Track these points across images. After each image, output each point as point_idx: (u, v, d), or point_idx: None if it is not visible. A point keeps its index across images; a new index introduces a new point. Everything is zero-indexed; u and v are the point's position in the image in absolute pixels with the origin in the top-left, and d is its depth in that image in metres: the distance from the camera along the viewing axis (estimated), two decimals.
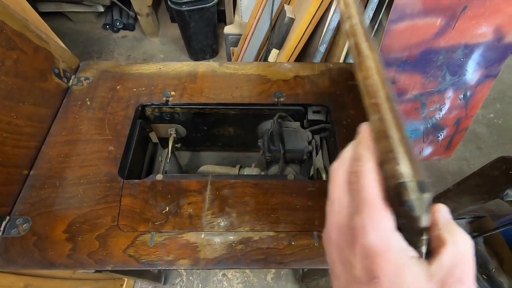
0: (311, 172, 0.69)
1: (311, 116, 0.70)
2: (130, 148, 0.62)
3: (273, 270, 1.27)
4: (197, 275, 1.28)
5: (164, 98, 0.67)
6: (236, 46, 1.74)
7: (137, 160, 0.66)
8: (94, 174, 0.56)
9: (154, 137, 0.80)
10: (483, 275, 1.02)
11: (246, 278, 1.27)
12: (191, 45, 1.89)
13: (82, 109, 0.65)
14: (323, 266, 0.47)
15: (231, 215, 0.52)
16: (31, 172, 0.56)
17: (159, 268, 0.47)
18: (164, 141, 0.82)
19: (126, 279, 1.10)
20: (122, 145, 0.60)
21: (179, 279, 1.27)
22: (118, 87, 0.69)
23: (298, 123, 0.66)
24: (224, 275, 1.28)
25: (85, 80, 0.70)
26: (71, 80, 0.70)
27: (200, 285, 1.26)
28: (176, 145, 0.78)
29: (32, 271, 0.70)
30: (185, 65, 0.74)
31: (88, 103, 0.66)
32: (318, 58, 1.10)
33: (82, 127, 0.62)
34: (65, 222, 0.51)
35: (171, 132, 0.74)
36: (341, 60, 1.15)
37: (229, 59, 1.88)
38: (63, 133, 0.61)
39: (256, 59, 1.50)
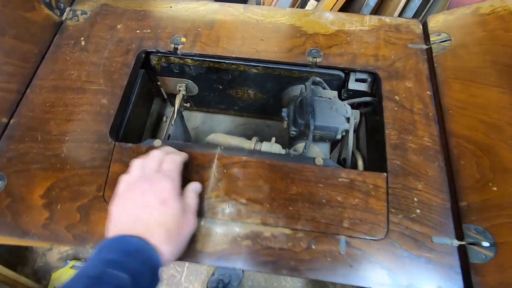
0: (342, 156, 0.56)
1: (352, 85, 0.55)
2: (127, 103, 0.52)
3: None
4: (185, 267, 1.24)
5: (173, 45, 0.54)
6: None
7: (136, 119, 0.56)
8: (81, 131, 0.47)
9: (163, 92, 0.69)
10: None
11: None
12: None
13: (75, 49, 0.54)
14: (347, 282, 0.37)
15: (239, 201, 0.42)
16: (11, 120, 0.48)
17: None
18: (173, 98, 0.71)
19: None
20: (117, 98, 0.49)
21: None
22: (119, 27, 0.56)
23: (335, 93, 0.52)
24: None
25: (81, 14, 0.58)
26: (65, 13, 0.58)
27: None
28: (185, 105, 0.67)
29: None
30: (202, 5, 0.59)
31: (83, 43, 0.54)
32: (365, 12, 0.90)
33: (73, 72, 0.52)
34: (43, 185, 0.43)
35: (180, 89, 0.62)
36: (397, 14, 0.94)
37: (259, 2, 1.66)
38: (51, 77, 0.51)
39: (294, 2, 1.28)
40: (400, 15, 0.89)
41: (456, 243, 0.39)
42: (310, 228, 0.40)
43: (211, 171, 0.44)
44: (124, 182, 0.38)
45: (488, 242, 0.38)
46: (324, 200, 0.42)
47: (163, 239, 0.32)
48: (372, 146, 0.57)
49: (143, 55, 0.55)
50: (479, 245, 0.38)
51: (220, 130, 0.75)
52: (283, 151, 0.50)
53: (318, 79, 0.52)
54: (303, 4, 1.10)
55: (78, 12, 0.58)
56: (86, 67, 0.52)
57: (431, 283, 0.38)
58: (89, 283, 0.27)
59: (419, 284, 0.38)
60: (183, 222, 0.35)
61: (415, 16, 0.97)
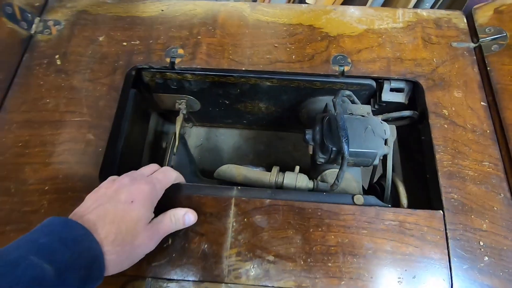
0: (375, 179, 0.48)
1: (386, 96, 0.46)
2: (118, 135, 0.43)
3: None
4: None
5: (168, 59, 0.45)
6: None
7: (131, 150, 0.47)
8: (64, 177, 0.38)
9: (158, 106, 0.60)
10: None
11: None
12: None
13: (49, 71, 0.44)
14: None
15: (266, 258, 0.34)
16: None
17: None
18: (171, 114, 0.62)
19: None
20: (106, 132, 0.40)
21: None
22: (101, 39, 0.46)
23: (368, 108, 0.43)
24: None
25: (54, 25, 0.48)
26: (34, 26, 0.47)
27: None
28: (187, 125, 0.58)
29: None
30: (199, 6, 0.49)
31: (58, 62, 0.45)
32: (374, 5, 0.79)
33: (49, 100, 0.42)
34: None
35: (180, 106, 0.53)
36: (411, 6, 0.84)
37: None
38: (22, 108, 0.42)
39: None
40: (415, 6, 0.78)
41: None
42: None
43: (228, 221, 0.35)
44: (111, 177, 0.34)
45: None
46: (370, 252, 0.34)
47: (111, 238, 0.28)
48: (410, 169, 0.49)
49: (134, 73, 0.45)
50: None
51: (227, 146, 0.66)
52: (310, 184, 0.42)
53: (347, 92, 0.43)
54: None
55: (50, 23, 0.48)
56: (65, 94, 0.42)
57: None
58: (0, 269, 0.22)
59: None
60: (141, 234, 0.30)
61: (433, 7, 0.86)
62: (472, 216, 0.35)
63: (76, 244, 0.25)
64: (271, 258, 0.34)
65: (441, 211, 0.36)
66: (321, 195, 0.38)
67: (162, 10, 0.48)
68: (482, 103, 0.41)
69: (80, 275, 0.25)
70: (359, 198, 0.37)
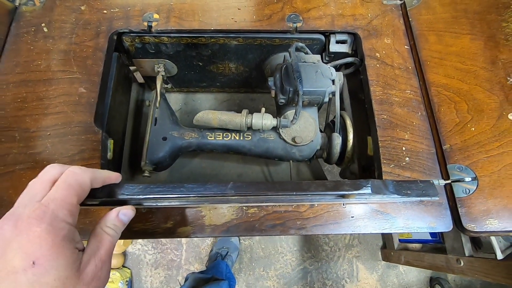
0: (330, 118, 0.58)
1: (333, 47, 0.56)
2: (107, 89, 0.49)
3: None
4: None
5: (146, 23, 0.51)
6: None
7: (117, 106, 0.54)
8: (63, 124, 0.44)
9: (139, 76, 0.66)
10: None
11: None
12: None
13: (37, 38, 0.49)
14: (351, 231, 0.40)
15: None
16: None
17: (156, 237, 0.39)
18: (151, 81, 0.68)
19: None
20: (96, 85, 0.47)
21: None
22: (82, 8, 0.52)
23: (318, 57, 0.53)
24: None
25: None
26: None
27: None
28: (166, 86, 0.65)
29: None
30: None
31: (45, 29, 0.50)
32: None
33: (40, 62, 0.48)
34: None
35: (159, 70, 0.60)
36: None
37: None
38: (17, 70, 0.47)
39: None
40: None
41: (443, 182, 0.43)
42: None
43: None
44: None
45: (470, 177, 0.42)
46: None
47: None
48: (357, 106, 0.59)
49: (115, 37, 0.52)
50: (463, 181, 0.42)
51: (204, 108, 0.73)
52: (274, 121, 0.51)
53: (300, 44, 0.52)
54: None
55: None
56: (54, 56, 0.48)
57: (423, 221, 0.41)
58: None
59: (413, 223, 0.41)
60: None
61: None
62: (397, 130, 0.46)
63: None
64: None
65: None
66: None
67: None
68: (405, 46, 0.52)
69: None
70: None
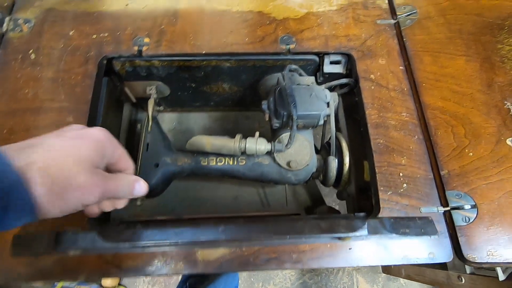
0: (325, 140, 0.57)
1: (327, 68, 0.55)
2: (96, 117, 0.48)
3: None
4: None
5: (136, 48, 0.50)
6: None
7: (108, 130, 0.52)
8: None
9: (131, 96, 0.65)
10: None
11: None
12: None
13: (25, 65, 0.48)
14: (349, 264, 0.39)
15: None
16: None
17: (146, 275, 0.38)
18: (144, 102, 0.67)
19: None
20: (84, 114, 0.46)
21: None
22: (71, 33, 0.51)
23: (312, 78, 0.52)
24: None
25: (25, 23, 0.51)
26: (5, 24, 0.51)
27: None
28: (158, 108, 0.64)
29: None
30: (160, 0, 0.55)
31: (32, 56, 0.49)
32: None
33: (27, 90, 0.47)
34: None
35: (151, 92, 0.59)
36: None
37: None
38: (3, 100, 0.46)
39: None
40: None
41: (442, 210, 0.42)
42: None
43: None
44: None
45: (469, 205, 0.41)
46: None
47: (39, 165, 0.24)
48: (352, 126, 0.58)
49: (105, 62, 0.51)
50: (462, 208, 0.41)
51: (198, 127, 0.73)
52: (268, 146, 0.50)
53: (294, 66, 0.51)
54: None
55: (21, 21, 0.51)
56: (42, 84, 0.47)
57: (423, 252, 0.40)
58: None
59: (412, 254, 0.40)
60: (84, 175, 0.26)
61: None
62: (394, 155, 0.45)
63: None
64: None
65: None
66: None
67: (127, 5, 0.54)
68: (400, 67, 0.51)
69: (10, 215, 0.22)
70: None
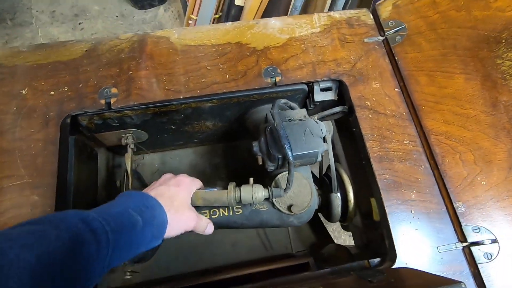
0: (324, 171, 0.53)
1: (318, 96, 0.51)
2: (66, 189, 0.41)
3: None
4: None
5: (103, 101, 0.44)
6: None
7: (84, 197, 0.46)
8: None
9: (104, 142, 0.58)
10: None
11: None
12: None
13: None
14: None
15: None
16: None
17: None
18: (119, 149, 0.60)
19: None
20: (51, 189, 0.39)
21: None
22: (24, 92, 0.44)
23: (304, 111, 0.47)
24: None
25: None
26: None
27: None
28: (136, 158, 0.58)
29: None
30: (124, 40, 0.48)
31: None
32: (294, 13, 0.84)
33: None
34: None
35: (126, 141, 0.53)
36: (327, 9, 0.90)
37: (184, 4, 1.51)
38: None
39: (218, 3, 1.19)
40: (330, 8, 0.84)
41: (460, 246, 0.39)
42: None
43: None
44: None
45: (490, 239, 0.38)
46: None
47: (167, 209, 0.37)
48: (350, 151, 0.54)
49: (69, 121, 0.44)
50: (482, 243, 0.38)
51: (184, 165, 0.67)
52: (265, 192, 0.45)
53: (283, 101, 0.46)
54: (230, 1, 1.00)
55: None
56: None
57: None
58: (113, 216, 0.31)
59: None
60: (186, 212, 0.39)
61: (344, 6, 0.92)
62: (403, 190, 0.41)
63: (153, 209, 0.35)
64: None
65: None
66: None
67: (86, 51, 0.47)
68: (396, 89, 0.47)
69: (153, 231, 0.34)
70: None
